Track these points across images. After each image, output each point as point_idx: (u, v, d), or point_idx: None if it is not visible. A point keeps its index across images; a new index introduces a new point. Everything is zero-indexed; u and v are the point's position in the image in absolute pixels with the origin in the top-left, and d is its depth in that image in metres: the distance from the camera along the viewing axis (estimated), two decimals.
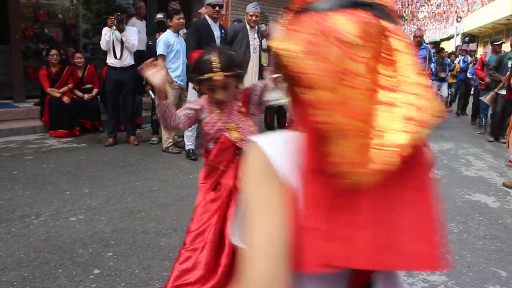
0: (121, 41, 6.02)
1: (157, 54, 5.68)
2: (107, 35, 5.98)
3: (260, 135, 0.77)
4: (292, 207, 0.68)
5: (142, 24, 7.61)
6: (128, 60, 6.14)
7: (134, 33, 6.19)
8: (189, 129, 5.68)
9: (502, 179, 5.69)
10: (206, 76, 2.12)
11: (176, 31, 5.85)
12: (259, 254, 0.66)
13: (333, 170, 0.64)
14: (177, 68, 5.85)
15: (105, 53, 6.24)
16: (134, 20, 7.22)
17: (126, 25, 6.31)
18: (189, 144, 5.75)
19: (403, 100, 0.63)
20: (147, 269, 2.86)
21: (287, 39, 0.68)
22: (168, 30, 5.87)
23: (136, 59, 6.17)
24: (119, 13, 5.98)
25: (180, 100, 5.94)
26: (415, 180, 0.66)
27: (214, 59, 2.11)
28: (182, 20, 5.81)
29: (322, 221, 0.65)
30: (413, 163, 0.65)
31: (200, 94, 2.30)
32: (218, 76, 2.11)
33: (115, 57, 6.06)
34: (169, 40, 5.74)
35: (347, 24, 0.65)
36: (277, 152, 0.73)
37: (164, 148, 5.97)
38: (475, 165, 6.41)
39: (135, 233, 3.39)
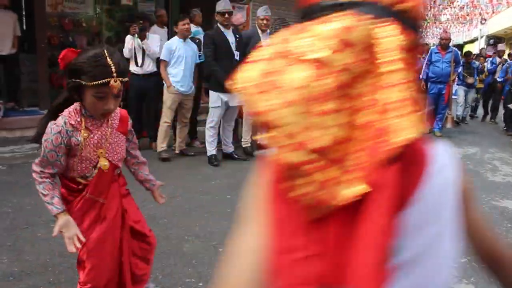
0: (142, 49, 6.10)
1: (160, 59, 5.81)
2: (129, 43, 6.07)
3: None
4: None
5: (163, 32, 7.69)
6: (150, 67, 6.20)
7: (156, 41, 6.26)
8: (211, 134, 5.71)
9: None
10: (102, 81, 1.74)
11: (183, 37, 5.85)
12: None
13: (300, 203, 0.63)
14: (177, 73, 5.81)
15: (128, 61, 6.33)
16: (155, 27, 7.30)
17: (148, 32, 6.40)
18: (211, 149, 5.77)
19: (375, 122, 0.58)
20: (170, 275, 2.87)
21: (244, 72, 0.62)
22: (175, 36, 5.91)
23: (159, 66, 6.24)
24: (141, 21, 6.06)
25: (181, 107, 5.96)
26: (373, 206, 0.59)
27: (111, 61, 1.77)
28: (187, 26, 5.82)
29: (295, 239, 0.66)
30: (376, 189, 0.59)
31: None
32: (116, 82, 1.78)
33: (137, 64, 6.14)
34: (172, 46, 5.77)
35: (322, 35, 0.57)
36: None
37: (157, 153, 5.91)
38: (502, 170, 6.25)
39: (157, 239, 3.36)
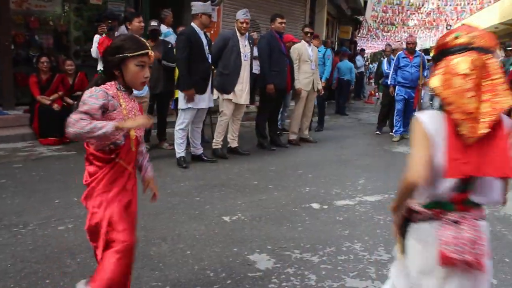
0: None
1: None
2: (98, 42, 5.96)
3: (421, 113, 1.70)
4: (431, 146, 1.61)
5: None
6: None
7: None
8: (180, 136, 5.66)
9: None
10: (143, 51, 2.07)
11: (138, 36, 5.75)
12: (415, 160, 1.60)
13: (463, 131, 1.57)
14: None
15: (96, 60, 6.21)
16: (124, 27, 7.19)
17: (117, 32, 6.30)
18: (180, 151, 5.71)
19: (492, 99, 1.56)
20: (137, 279, 2.82)
21: (434, 79, 1.64)
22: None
23: None
24: (110, 21, 5.96)
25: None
26: (498, 135, 1.58)
27: (140, 38, 2.17)
28: (142, 24, 5.68)
29: (459, 154, 1.57)
30: (496, 127, 1.57)
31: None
32: (151, 52, 2.11)
33: None
34: None
35: (461, 62, 1.57)
36: (427, 119, 1.65)
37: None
38: None
39: None
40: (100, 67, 6.01)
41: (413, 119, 1.68)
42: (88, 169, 2.14)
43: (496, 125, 1.56)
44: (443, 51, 1.66)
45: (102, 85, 2.09)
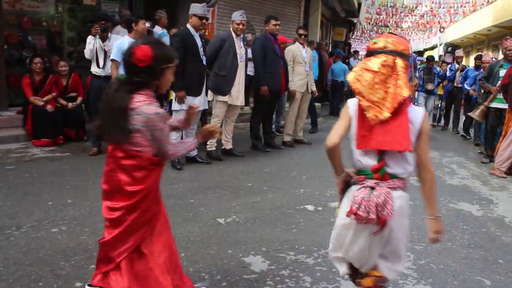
0: (104, 50, 5.96)
1: (110, 59, 5.59)
2: (91, 43, 5.92)
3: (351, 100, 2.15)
4: (349, 122, 2.09)
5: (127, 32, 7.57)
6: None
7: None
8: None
9: (486, 187, 5.76)
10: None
11: (138, 37, 5.68)
12: (334, 130, 2.10)
13: (368, 115, 1.99)
14: None
15: (89, 61, 6.18)
16: (119, 28, 7.17)
17: (111, 33, 6.27)
18: None
19: (394, 91, 1.97)
20: None
21: (350, 74, 2.09)
22: (126, 36, 5.66)
23: None
24: (103, 22, 5.93)
25: None
26: (400, 119, 1.96)
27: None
28: (147, 26, 5.69)
29: (365, 132, 2.01)
30: (399, 113, 1.97)
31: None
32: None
33: (98, 66, 6.00)
34: (123, 46, 5.32)
35: (375, 62, 2.00)
36: (351, 103, 2.12)
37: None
38: (459, 174, 6.48)
39: None
40: (93, 69, 5.99)
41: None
42: (135, 175, 2.12)
43: (399, 111, 1.96)
44: (367, 53, 2.12)
45: (139, 95, 2.07)
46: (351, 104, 2.11)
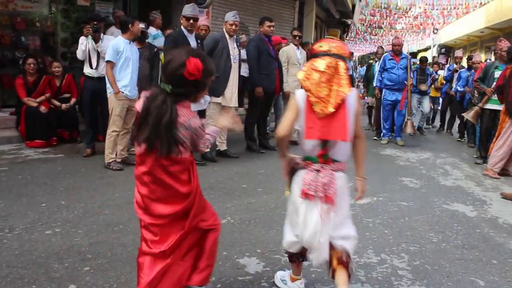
0: (97, 51, 5.93)
1: (105, 60, 5.49)
2: (83, 44, 5.89)
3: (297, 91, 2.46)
4: (297, 114, 2.40)
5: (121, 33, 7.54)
6: (105, 69, 6.02)
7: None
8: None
9: (479, 188, 5.78)
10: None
11: (134, 38, 5.64)
12: (284, 122, 2.45)
13: (315, 109, 2.32)
14: (124, 77, 5.48)
15: (82, 62, 6.15)
16: (113, 29, 7.14)
17: (104, 34, 6.24)
18: None
19: (338, 89, 2.30)
20: (126, 284, 2.80)
21: (300, 73, 2.41)
22: (120, 36, 5.56)
23: None
24: (95, 22, 5.90)
25: (127, 113, 5.60)
26: (341, 112, 2.31)
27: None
28: (142, 26, 5.66)
29: (312, 124, 2.33)
30: (340, 108, 2.31)
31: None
32: None
33: (91, 66, 5.96)
34: (119, 47, 5.40)
35: (321, 63, 2.32)
36: (299, 96, 2.40)
37: (106, 164, 5.58)
38: (453, 175, 6.51)
39: (113, 246, 3.32)
40: (86, 70, 5.95)
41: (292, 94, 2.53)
42: (182, 177, 2.23)
43: (340, 106, 2.29)
44: (312, 54, 2.41)
45: (182, 107, 2.12)
46: (299, 96, 2.39)
